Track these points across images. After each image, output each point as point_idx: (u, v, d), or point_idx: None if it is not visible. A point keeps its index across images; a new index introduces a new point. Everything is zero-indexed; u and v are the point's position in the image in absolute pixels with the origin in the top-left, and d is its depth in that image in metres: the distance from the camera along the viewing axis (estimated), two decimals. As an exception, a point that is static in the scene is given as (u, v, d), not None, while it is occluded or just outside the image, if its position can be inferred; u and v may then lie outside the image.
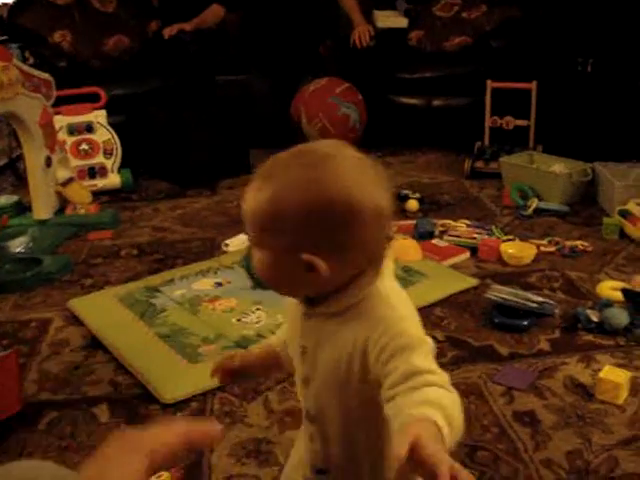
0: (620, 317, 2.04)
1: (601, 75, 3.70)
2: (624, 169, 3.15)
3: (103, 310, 2.24)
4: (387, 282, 0.92)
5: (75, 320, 2.22)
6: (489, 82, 3.64)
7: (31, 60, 3.95)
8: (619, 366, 1.85)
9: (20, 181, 3.69)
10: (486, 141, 3.67)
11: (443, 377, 0.83)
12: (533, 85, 3.56)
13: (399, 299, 0.92)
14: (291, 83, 4.15)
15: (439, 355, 1.94)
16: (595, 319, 2.07)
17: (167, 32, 4.09)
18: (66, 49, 4.03)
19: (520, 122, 3.61)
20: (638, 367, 1.88)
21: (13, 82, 2.82)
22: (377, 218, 0.85)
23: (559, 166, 3.21)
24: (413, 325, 0.89)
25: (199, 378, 1.82)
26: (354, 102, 3.91)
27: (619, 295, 2.14)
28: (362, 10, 4.28)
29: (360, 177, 0.85)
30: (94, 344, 2.07)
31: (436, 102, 4.07)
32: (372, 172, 0.86)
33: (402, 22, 4.41)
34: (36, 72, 3.05)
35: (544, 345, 2.00)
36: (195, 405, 1.77)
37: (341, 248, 0.85)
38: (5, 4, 4.79)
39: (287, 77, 4.20)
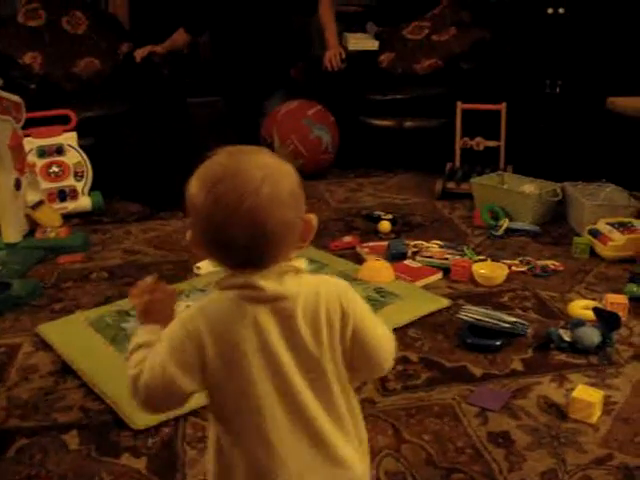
0: (592, 336, 2.05)
1: (569, 96, 3.75)
2: (593, 189, 3.19)
3: (73, 335, 2.21)
4: None
5: (45, 345, 2.19)
6: (459, 104, 3.67)
7: (1, 82, 3.91)
8: (592, 385, 1.87)
9: (-11, 204, 3.64)
10: (457, 162, 3.70)
11: None
12: (503, 106, 3.60)
13: None
14: (261, 105, 4.16)
15: (413, 377, 1.94)
16: (567, 338, 2.08)
17: (139, 54, 4.08)
18: (37, 71, 3.99)
19: (490, 143, 3.64)
20: (610, 386, 1.90)
21: (-19, 105, 2.80)
22: None
23: (529, 186, 3.24)
24: None
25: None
26: (326, 124, 3.93)
27: (591, 314, 2.16)
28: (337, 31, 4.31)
29: None
30: (64, 369, 2.04)
31: (407, 124, 4.09)
32: None
33: (373, 44, 4.44)
34: (6, 94, 3.01)
35: (517, 365, 2.01)
36: (167, 430, 1.75)
37: None
38: (-25, 26, 4.76)
39: (257, 99, 4.20)
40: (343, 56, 4.15)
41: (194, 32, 4.32)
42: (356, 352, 1.05)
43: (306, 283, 1.03)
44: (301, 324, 1.00)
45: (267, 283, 0.98)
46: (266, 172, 0.97)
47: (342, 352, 1.04)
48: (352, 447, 1.05)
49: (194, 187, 0.99)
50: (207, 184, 0.97)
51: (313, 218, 1.03)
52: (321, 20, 4.32)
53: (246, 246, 0.96)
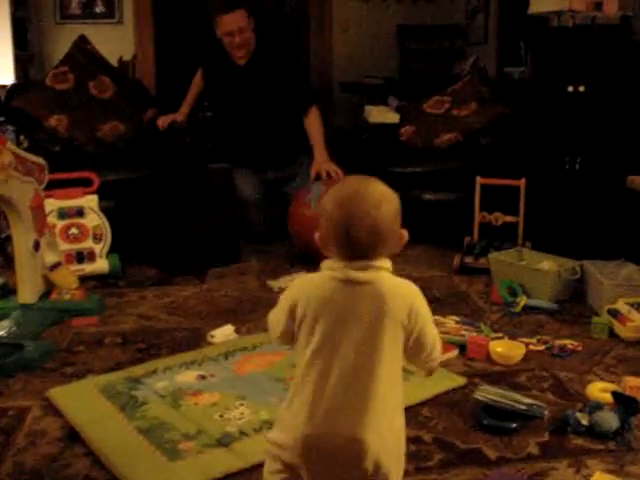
0: (610, 421, 2.01)
1: (589, 174, 3.76)
2: (612, 268, 3.16)
3: (83, 401, 2.19)
4: None
5: (54, 410, 2.16)
6: (478, 178, 3.69)
7: (25, 144, 3.99)
8: (610, 472, 1.81)
9: (7, 263, 3.67)
10: (475, 236, 3.69)
11: None
12: (522, 182, 3.60)
13: None
14: (281, 192, 4.18)
15: (426, 458, 1.90)
16: (585, 422, 2.03)
17: (160, 124, 4.16)
18: (61, 134, 4.07)
19: (509, 218, 3.64)
20: (629, 473, 1.84)
21: (6, 166, 2.84)
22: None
23: (548, 263, 3.22)
24: None
25: (177, 477, 1.77)
26: None
27: (609, 397, 2.11)
28: (325, 139, 4.12)
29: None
30: (72, 436, 2.01)
31: (426, 197, 4.11)
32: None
33: (393, 118, 4.50)
34: (29, 156, 3.06)
35: (533, 449, 1.96)
36: (172, 505, 1.71)
37: None
38: (3, 86, 4.88)
39: (277, 170, 4.23)
40: (340, 173, 3.88)
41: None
42: (412, 344, 1.37)
43: (386, 277, 1.36)
44: (372, 305, 1.32)
45: (355, 271, 1.33)
46: (382, 195, 1.35)
47: (402, 340, 1.35)
48: (369, 411, 1.29)
49: (329, 204, 1.35)
50: (340, 202, 1.34)
51: (406, 233, 1.40)
52: (308, 132, 4.11)
53: (365, 246, 1.32)
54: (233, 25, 3.88)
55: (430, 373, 1.52)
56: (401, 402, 1.38)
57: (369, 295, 1.33)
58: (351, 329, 1.31)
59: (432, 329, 1.41)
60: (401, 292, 1.36)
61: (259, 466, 1.81)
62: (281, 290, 1.63)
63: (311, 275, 1.40)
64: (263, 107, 4.12)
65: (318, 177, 3.89)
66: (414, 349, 1.38)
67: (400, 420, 1.37)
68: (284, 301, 1.41)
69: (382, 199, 1.34)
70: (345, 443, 1.28)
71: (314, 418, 1.30)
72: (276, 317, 1.43)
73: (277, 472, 1.37)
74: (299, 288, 1.39)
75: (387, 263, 1.37)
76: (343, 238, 1.32)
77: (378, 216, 1.32)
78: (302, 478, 1.34)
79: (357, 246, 1.32)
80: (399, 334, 1.34)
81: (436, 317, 2.87)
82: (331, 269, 1.36)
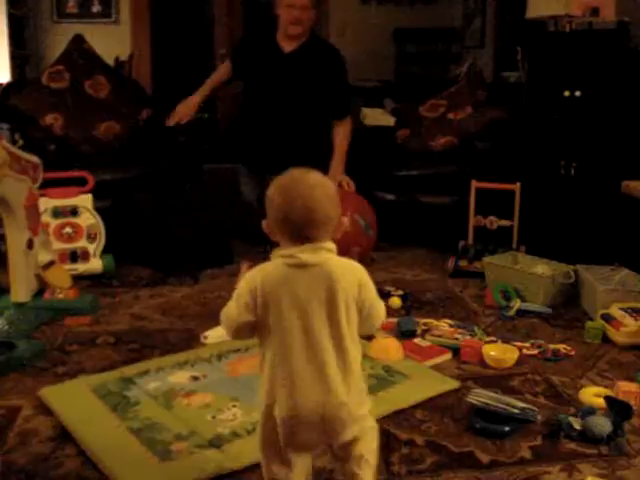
0: (603, 426, 2.00)
1: (584, 179, 3.76)
2: (607, 272, 3.17)
3: (74, 401, 2.18)
4: None
5: (45, 409, 2.15)
6: (473, 182, 3.69)
7: (20, 142, 3.97)
8: (601, 476, 1.82)
9: (0, 261, 3.65)
10: (470, 240, 3.70)
11: None
12: (517, 186, 3.61)
13: None
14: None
15: (418, 461, 1.90)
16: (577, 427, 2.03)
17: (172, 123, 4.01)
18: (57, 132, 4.06)
19: (504, 222, 3.65)
20: (621, 478, 1.84)
21: (0, 164, 2.82)
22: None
23: (542, 267, 3.22)
24: None
25: (168, 478, 1.77)
26: (371, 223, 3.68)
27: (602, 402, 2.11)
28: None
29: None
30: (63, 435, 2.01)
31: (421, 200, 4.11)
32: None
33: (389, 120, 4.50)
34: (24, 154, 3.06)
35: (526, 453, 1.95)
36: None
37: None
38: (-1, 84, 4.87)
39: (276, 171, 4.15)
40: (352, 185, 3.78)
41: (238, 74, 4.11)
42: (365, 314, 1.52)
43: (333, 258, 1.49)
44: (325, 284, 1.46)
45: (303, 255, 1.45)
46: (316, 182, 1.50)
47: (356, 312, 1.49)
48: (346, 384, 1.47)
49: (271, 191, 1.50)
50: (279, 189, 1.49)
51: (345, 220, 1.53)
52: (335, 139, 3.94)
53: (301, 227, 1.45)
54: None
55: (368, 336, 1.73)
56: (360, 357, 1.53)
57: (320, 276, 1.46)
58: (311, 309, 1.45)
59: (379, 301, 1.57)
60: (349, 271, 1.50)
61: (251, 467, 1.82)
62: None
63: (263, 265, 1.50)
64: (298, 102, 3.88)
65: None
66: (366, 319, 1.53)
67: (361, 375, 1.54)
68: (241, 294, 1.49)
69: (316, 184, 1.49)
70: (333, 408, 1.45)
71: (296, 398, 1.45)
72: (232, 312, 1.51)
73: (270, 455, 1.55)
74: (254, 279, 1.48)
75: (332, 245, 1.50)
76: (282, 220, 1.47)
77: (312, 198, 1.46)
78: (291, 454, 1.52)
79: (295, 226, 1.46)
80: (352, 307, 1.48)
81: (429, 320, 2.88)
82: (282, 256, 1.48)
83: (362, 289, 1.50)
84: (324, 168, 3.82)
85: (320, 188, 1.49)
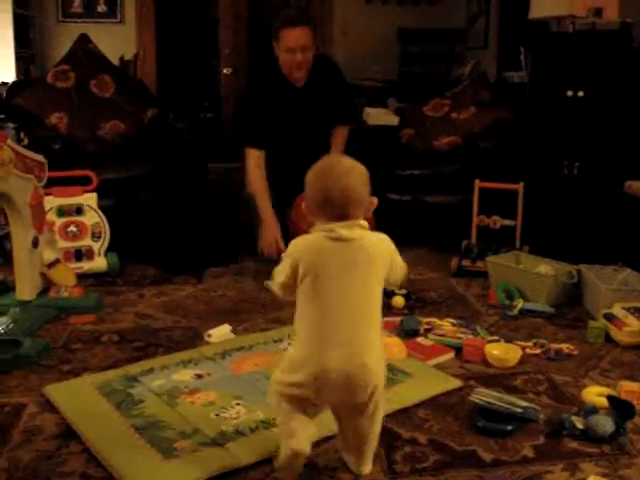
0: (605, 425, 2.01)
1: (587, 179, 3.77)
2: (609, 272, 3.17)
3: (79, 398, 2.19)
4: None
5: (50, 407, 2.16)
6: (477, 182, 3.69)
7: (25, 141, 3.99)
8: (604, 476, 1.82)
9: (5, 260, 3.67)
10: (473, 240, 3.70)
11: None
12: (520, 186, 3.61)
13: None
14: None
15: (421, 459, 1.90)
16: (580, 426, 2.03)
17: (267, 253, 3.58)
18: (62, 132, 4.07)
19: (507, 222, 3.65)
20: (623, 477, 1.84)
21: (6, 163, 2.84)
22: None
23: (545, 267, 3.22)
24: None
25: (172, 475, 1.77)
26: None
27: (604, 401, 2.12)
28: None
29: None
30: (68, 433, 2.01)
31: (424, 199, 4.12)
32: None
33: (393, 120, 4.50)
34: (29, 153, 3.07)
35: (528, 452, 1.96)
36: (168, 503, 1.72)
37: None
38: (4, 83, 4.88)
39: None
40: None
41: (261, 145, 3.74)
42: (391, 276, 1.75)
43: (367, 234, 1.70)
44: (365, 259, 1.68)
45: (342, 230, 1.66)
46: (351, 166, 1.72)
47: (384, 279, 1.72)
48: (371, 348, 1.67)
49: (310, 177, 1.72)
50: (319, 174, 1.71)
51: (375, 199, 1.74)
52: (332, 140, 3.84)
53: (339, 206, 1.66)
54: (297, 41, 3.50)
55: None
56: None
57: (357, 249, 1.67)
58: (347, 277, 1.66)
59: (402, 262, 1.80)
60: (383, 245, 1.74)
61: (254, 465, 1.83)
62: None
63: (307, 236, 1.72)
64: (319, 131, 3.77)
65: None
66: (391, 278, 1.77)
67: (381, 343, 1.73)
68: (287, 259, 1.71)
69: (351, 169, 1.71)
70: (356, 369, 1.63)
71: (327, 353, 1.62)
72: (280, 271, 1.73)
73: (288, 410, 1.69)
74: (298, 247, 1.70)
75: (365, 223, 1.71)
76: (322, 200, 1.68)
77: (348, 181, 1.67)
78: (310, 408, 1.70)
79: (333, 206, 1.67)
80: (382, 276, 1.71)
81: (433, 319, 2.89)
82: (322, 230, 1.68)
83: (393, 256, 1.75)
84: None
85: (355, 173, 1.71)
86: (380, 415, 1.77)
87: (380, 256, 1.71)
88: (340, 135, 3.85)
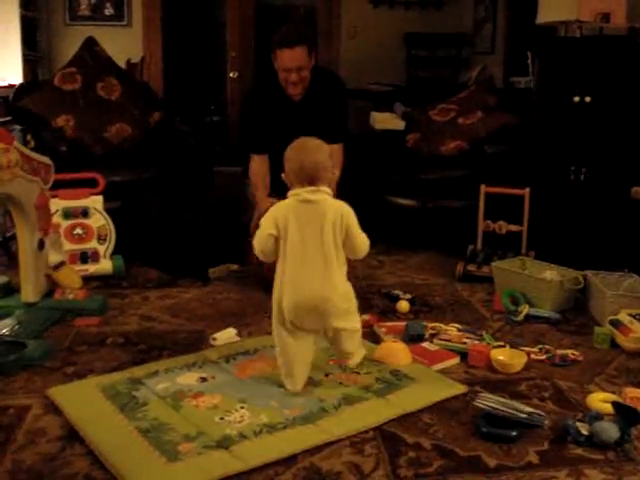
0: (610, 431, 2.00)
1: (594, 184, 3.76)
2: (615, 279, 3.16)
3: (83, 400, 2.19)
4: None
5: (54, 409, 2.16)
6: (483, 187, 3.69)
7: (32, 143, 4.00)
8: (609, 483, 1.81)
9: (11, 261, 3.68)
10: (479, 245, 3.70)
11: None
12: (526, 191, 3.61)
13: None
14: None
15: (425, 465, 1.90)
16: (585, 432, 2.03)
17: None
18: (68, 134, 4.09)
19: (513, 227, 3.64)
20: (628, 484, 1.84)
21: (12, 165, 2.84)
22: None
23: (551, 273, 3.22)
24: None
25: (176, 478, 1.78)
26: None
27: (609, 407, 2.11)
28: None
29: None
30: (72, 435, 2.01)
31: (430, 204, 4.11)
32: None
33: (399, 124, 4.51)
34: (36, 156, 3.07)
35: (532, 457, 1.95)
36: (171, 506, 1.71)
37: None
38: (11, 86, 4.90)
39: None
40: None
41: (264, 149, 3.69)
42: (346, 238, 2.23)
43: (328, 199, 2.24)
44: (322, 216, 2.19)
45: (308, 194, 2.21)
46: (319, 144, 2.31)
47: (340, 236, 2.22)
48: (330, 285, 2.21)
49: (288, 153, 2.29)
50: (295, 150, 2.29)
51: (337, 172, 2.60)
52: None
53: (309, 174, 2.22)
54: (292, 62, 3.48)
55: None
56: (345, 273, 2.28)
57: (318, 209, 2.21)
58: (311, 231, 2.19)
59: (359, 232, 2.26)
60: (336, 207, 2.23)
61: (258, 469, 1.82)
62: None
63: (282, 201, 2.27)
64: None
65: None
66: (348, 242, 2.24)
67: (346, 284, 2.29)
68: (267, 222, 2.23)
69: (319, 146, 2.30)
70: (320, 300, 2.19)
71: (299, 289, 2.19)
72: (260, 236, 2.24)
73: (284, 337, 2.27)
74: (276, 209, 2.26)
75: (328, 190, 2.25)
76: (297, 170, 2.24)
77: (317, 155, 2.26)
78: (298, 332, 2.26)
79: (306, 174, 2.22)
80: (337, 232, 2.20)
81: (437, 324, 2.88)
82: (293, 195, 2.23)
83: (343, 218, 2.21)
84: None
85: (322, 149, 2.30)
86: (349, 322, 2.33)
87: (332, 212, 2.20)
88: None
